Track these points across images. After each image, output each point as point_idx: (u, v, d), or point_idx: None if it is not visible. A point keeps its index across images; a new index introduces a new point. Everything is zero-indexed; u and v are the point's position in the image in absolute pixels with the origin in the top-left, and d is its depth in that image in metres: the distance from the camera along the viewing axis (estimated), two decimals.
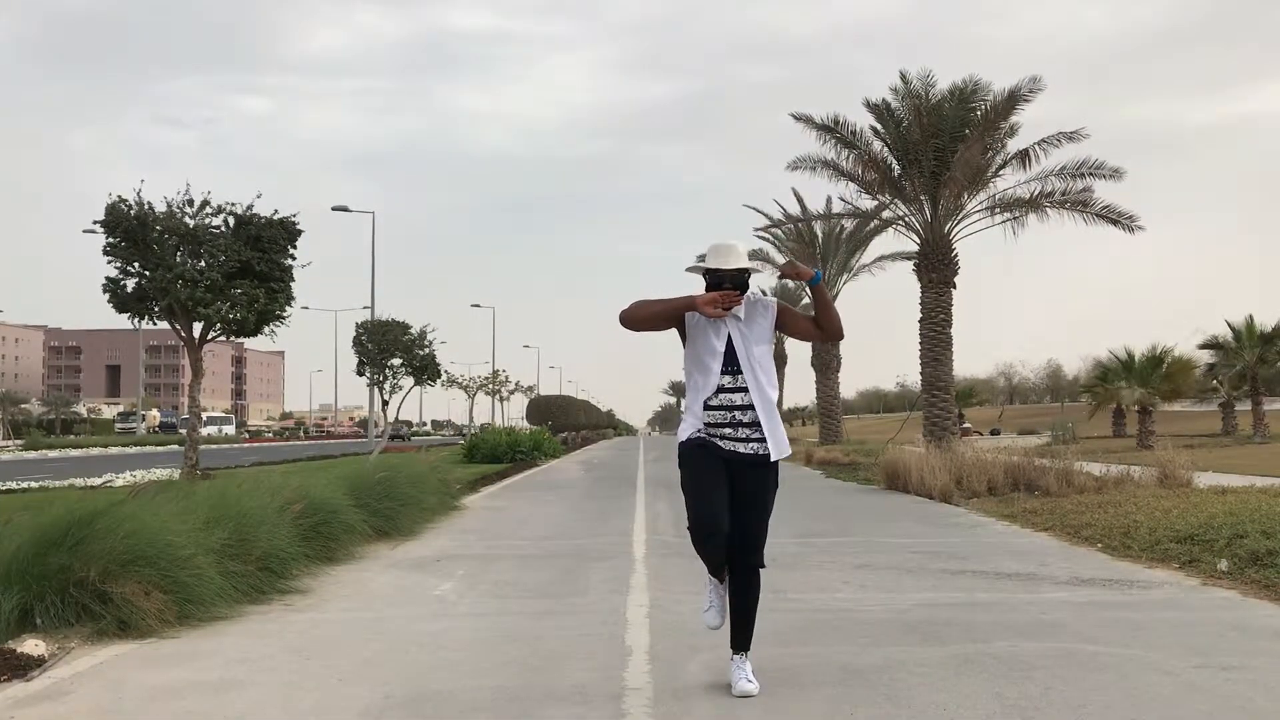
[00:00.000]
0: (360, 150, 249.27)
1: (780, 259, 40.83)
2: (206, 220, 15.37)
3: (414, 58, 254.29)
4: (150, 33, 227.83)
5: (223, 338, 16.30)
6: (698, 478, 4.28)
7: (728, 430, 4.26)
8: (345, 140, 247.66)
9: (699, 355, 4.32)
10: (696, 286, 4.38)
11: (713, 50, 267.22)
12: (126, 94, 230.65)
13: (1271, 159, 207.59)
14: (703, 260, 4.37)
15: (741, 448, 4.26)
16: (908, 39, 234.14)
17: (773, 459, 4.28)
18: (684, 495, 4.33)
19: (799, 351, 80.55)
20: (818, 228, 38.53)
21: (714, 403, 4.26)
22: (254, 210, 15.54)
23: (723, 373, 4.27)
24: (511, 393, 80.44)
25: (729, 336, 4.29)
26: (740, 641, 4.37)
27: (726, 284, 4.26)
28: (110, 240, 15.00)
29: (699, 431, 4.31)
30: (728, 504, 4.24)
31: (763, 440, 4.26)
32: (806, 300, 46.95)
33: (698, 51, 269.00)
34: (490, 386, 73.45)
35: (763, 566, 4.36)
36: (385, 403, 25.99)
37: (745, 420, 4.25)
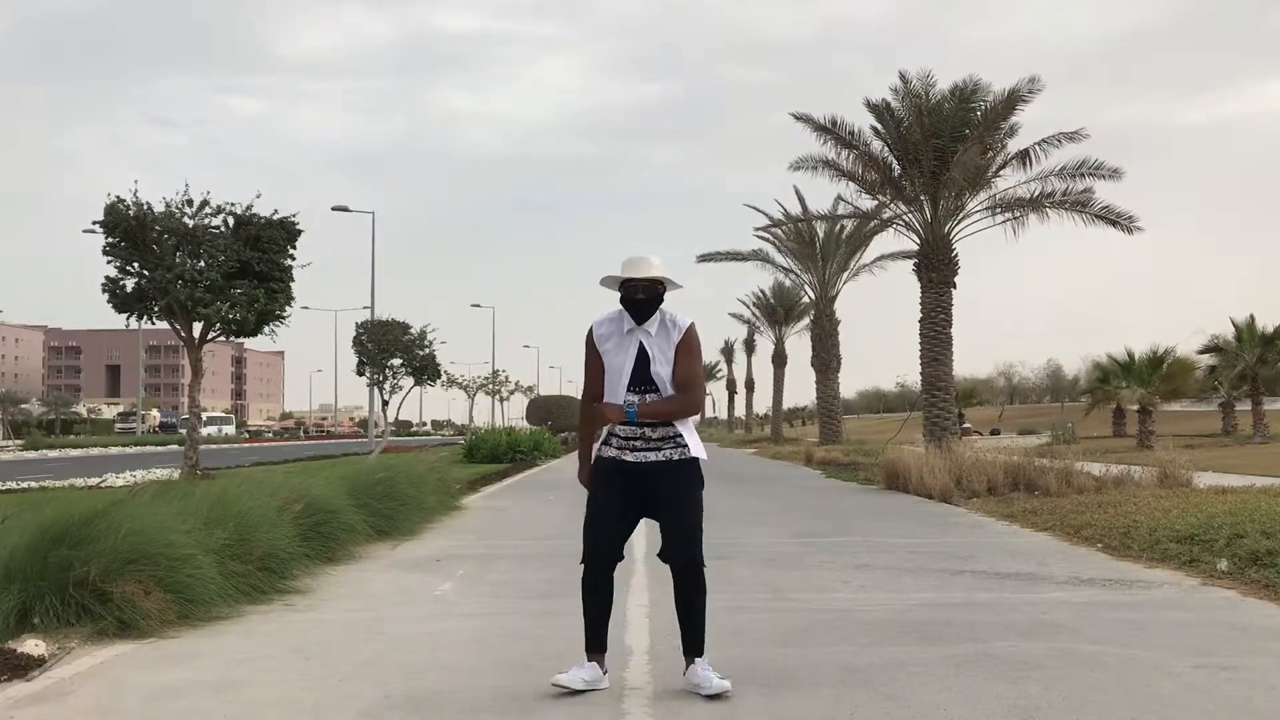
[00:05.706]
0: (358, 150, 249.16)
1: (780, 259, 40.92)
2: (206, 220, 15.37)
3: (410, 59, 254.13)
4: (140, 33, 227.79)
5: (222, 338, 16.31)
6: (603, 502, 4.31)
7: (638, 443, 4.29)
8: (343, 140, 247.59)
9: (610, 374, 4.33)
10: (611, 299, 4.45)
11: (710, 50, 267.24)
12: (118, 95, 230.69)
13: (1270, 158, 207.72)
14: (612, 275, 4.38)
15: (652, 455, 4.29)
16: (906, 40, 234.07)
17: (691, 455, 4.28)
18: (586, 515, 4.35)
19: (799, 351, 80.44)
20: (818, 227, 38.50)
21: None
22: (253, 210, 15.54)
23: (630, 390, 4.27)
24: (511, 393, 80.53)
25: (638, 351, 4.30)
26: (696, 646, 4.30)
27: (640, 294, 4.28)
28: (110, 240, 15.01)
29: (610, 447, 4.33)
30: (627, 535, 4.35)
31: (676, 447, 4.28)
32: (806, 300, 46.90)
33: (695, 52, 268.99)
34: (490, 387, 73.50)
35: (703, 565, 4.28)
36: (385, 403, 26.04)
37: (655, 436, 4.29)
